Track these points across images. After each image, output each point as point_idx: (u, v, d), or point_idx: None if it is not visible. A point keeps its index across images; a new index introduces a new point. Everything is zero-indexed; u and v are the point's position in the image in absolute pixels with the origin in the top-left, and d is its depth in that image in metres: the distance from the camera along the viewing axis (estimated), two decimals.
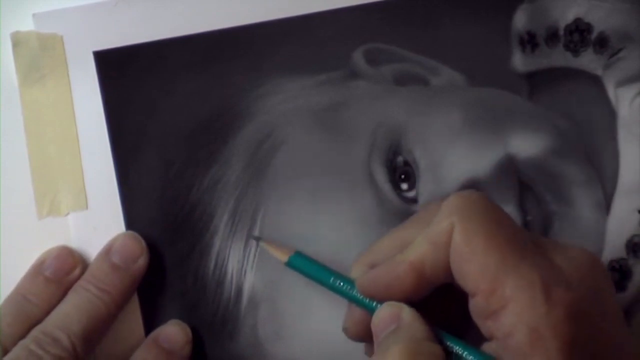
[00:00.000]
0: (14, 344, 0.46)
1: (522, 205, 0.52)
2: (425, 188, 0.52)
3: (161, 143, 0.51)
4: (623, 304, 0.52)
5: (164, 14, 0.52)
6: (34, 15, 0.51)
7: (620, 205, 0.53)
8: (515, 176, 0.52)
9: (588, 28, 0.54)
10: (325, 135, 0.52)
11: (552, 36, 0.54)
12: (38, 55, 0.51)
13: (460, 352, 0.41)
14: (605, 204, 0.53)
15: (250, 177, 0.51)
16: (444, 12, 0.53)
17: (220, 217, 0.51)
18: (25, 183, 0.50)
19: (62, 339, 0.46)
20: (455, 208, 0.42)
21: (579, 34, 0.54)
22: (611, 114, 0.54)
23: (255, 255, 0.51)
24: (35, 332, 0.47)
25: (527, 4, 0.54)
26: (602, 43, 0.54)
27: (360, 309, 0.45)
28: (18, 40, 0.51)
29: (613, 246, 0.53)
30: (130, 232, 0.51)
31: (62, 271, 0.49)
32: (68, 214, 0.51)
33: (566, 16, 0.54)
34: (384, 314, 0.42)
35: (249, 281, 0.51)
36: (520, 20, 0.54)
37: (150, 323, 0.51)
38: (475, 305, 0.41)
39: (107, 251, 0.50)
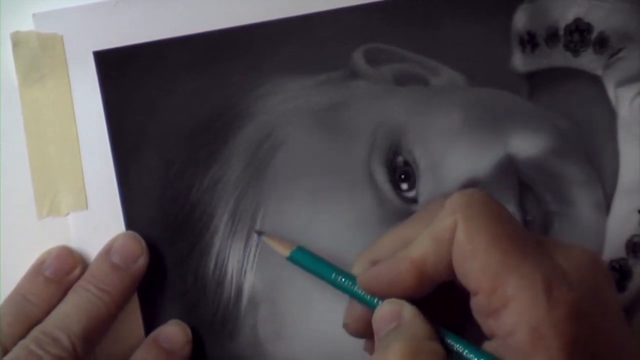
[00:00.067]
0: (14, 344, 0.46)
1: (522, 205, 0.52)
2: (425, 188, 0.51)
3: (161, 143, 0.51)
4: (623, 304, 0.52)
5: (164, 14, 0.52)
6: (34, 15, 0.51)
7: (620, 205, 0.53)
8: (515, 176, 0.52)
9: (588, 28, 0.54)
10: (325, 135, 0.52)
11: (552, 36, 0.54)
12: (38, 55, 0.51)
13: (461, 351, 0.41)
14: (605, 204, 0.53)
15: (250, 177, 0.51)
16: (444, 12, 0.53)
17: (220, 217, 0.51)
18: (25, 183, 0.50)
19: (62, 339, 0.46)
20: (459, 206, 0.41)
21: (579, 34, 0.54)
22: (611, 114, 0.54)
23: (255, 255, 0.51)
24: (35, 332, 0.47)
25: (527, 4, 0.54)
26: (602, 43, 0.54)
27: (361, 305, 0.45)
28: (18, 40, 0.51)
29: (613, 246, 0.53)
30: (130, 232, 0.51)
31: (62, 271, 0.49)
32: (68, 214, 0.51)
33: (566, 16, 0.54)
34: (385, 311, 0.42)
35: (249, 281, 0.51)
36: (520, 20, 0.54)
37: (150, 323, 0.51)
38: (477, 304, 0.41)
39: (107, 251, 0.50)
